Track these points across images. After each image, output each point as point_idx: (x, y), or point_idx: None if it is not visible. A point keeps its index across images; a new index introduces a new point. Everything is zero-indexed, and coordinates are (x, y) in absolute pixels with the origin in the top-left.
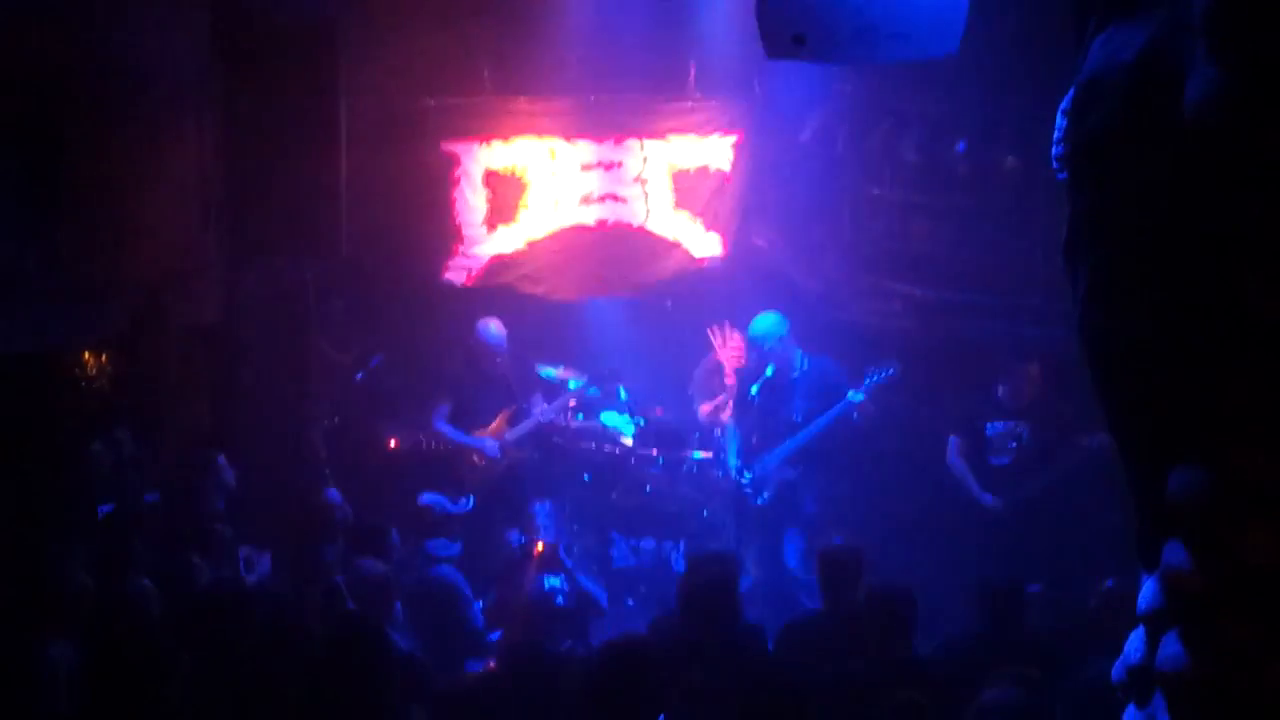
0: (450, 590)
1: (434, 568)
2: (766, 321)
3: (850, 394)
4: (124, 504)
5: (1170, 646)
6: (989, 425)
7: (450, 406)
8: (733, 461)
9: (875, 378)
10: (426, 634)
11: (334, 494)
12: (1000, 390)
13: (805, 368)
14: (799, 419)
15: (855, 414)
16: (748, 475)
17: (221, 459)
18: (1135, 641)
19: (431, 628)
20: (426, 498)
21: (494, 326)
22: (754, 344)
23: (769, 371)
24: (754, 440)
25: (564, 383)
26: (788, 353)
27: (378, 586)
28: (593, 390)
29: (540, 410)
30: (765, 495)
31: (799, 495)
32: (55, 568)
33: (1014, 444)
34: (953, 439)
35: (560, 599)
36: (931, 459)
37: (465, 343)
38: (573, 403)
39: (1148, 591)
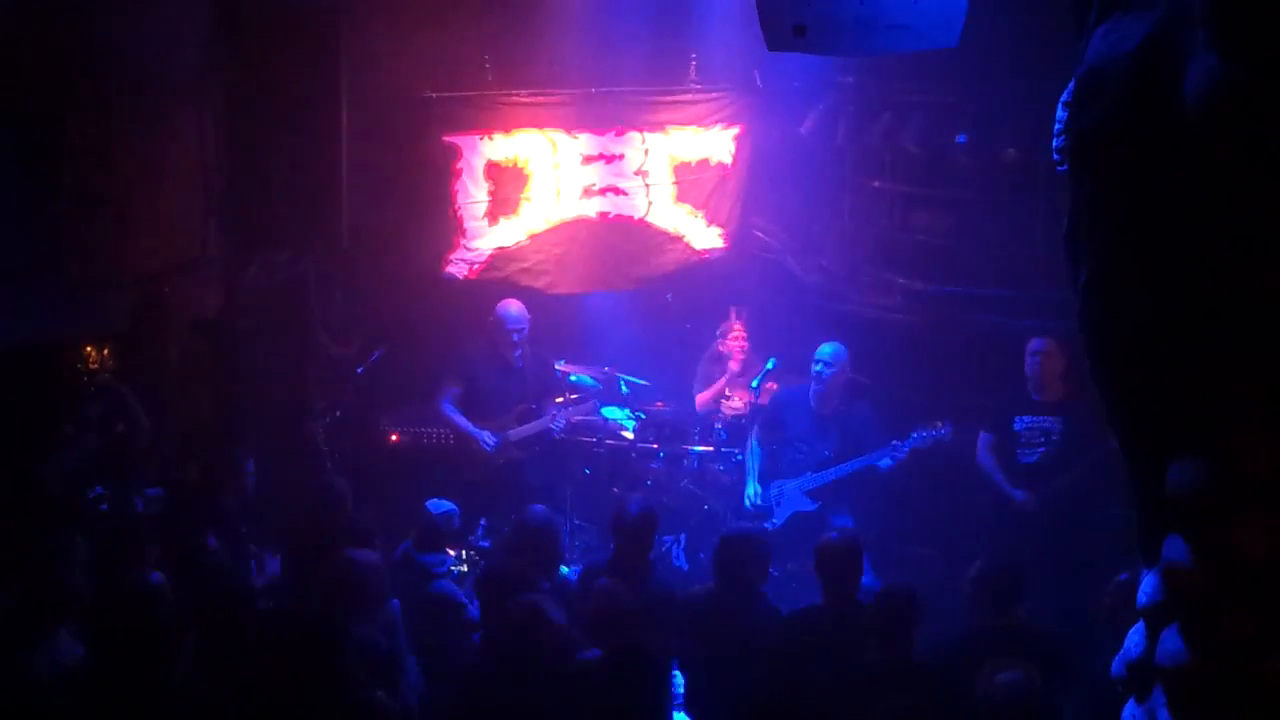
0: (452, 607)
1: (433, 584)
2: (835, 348)
3: (894, 444)
4: (123, 494)
5: (1170, 641)
6: (1018, 420)
7: (461, 391)
8: (751, 486)
9: (921, 437)
10: (427, 649)
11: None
12: (1029, 382)
13: (844, 406)
14: (829, 454)
15: (890, 462)
16: (759, 498)
17: (251, 464)
18: (1135, 636)
19: (433, 645)
20: (438, 506)
21: (514, 308)
22: (821, 365)
23: (811, 401)
24: (778, 463)
25: (583, 395)
26: (837, 385)
27: (374, 576)
28: (595, 385)
29: (553, 419)
30: (775, 521)
31: (818, 527)
32: (52, 564)
33: (1043, 440)
34: (982, 435)
35: None
36: (950, 454)
37: (486, 326)
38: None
39: (1148, 586)
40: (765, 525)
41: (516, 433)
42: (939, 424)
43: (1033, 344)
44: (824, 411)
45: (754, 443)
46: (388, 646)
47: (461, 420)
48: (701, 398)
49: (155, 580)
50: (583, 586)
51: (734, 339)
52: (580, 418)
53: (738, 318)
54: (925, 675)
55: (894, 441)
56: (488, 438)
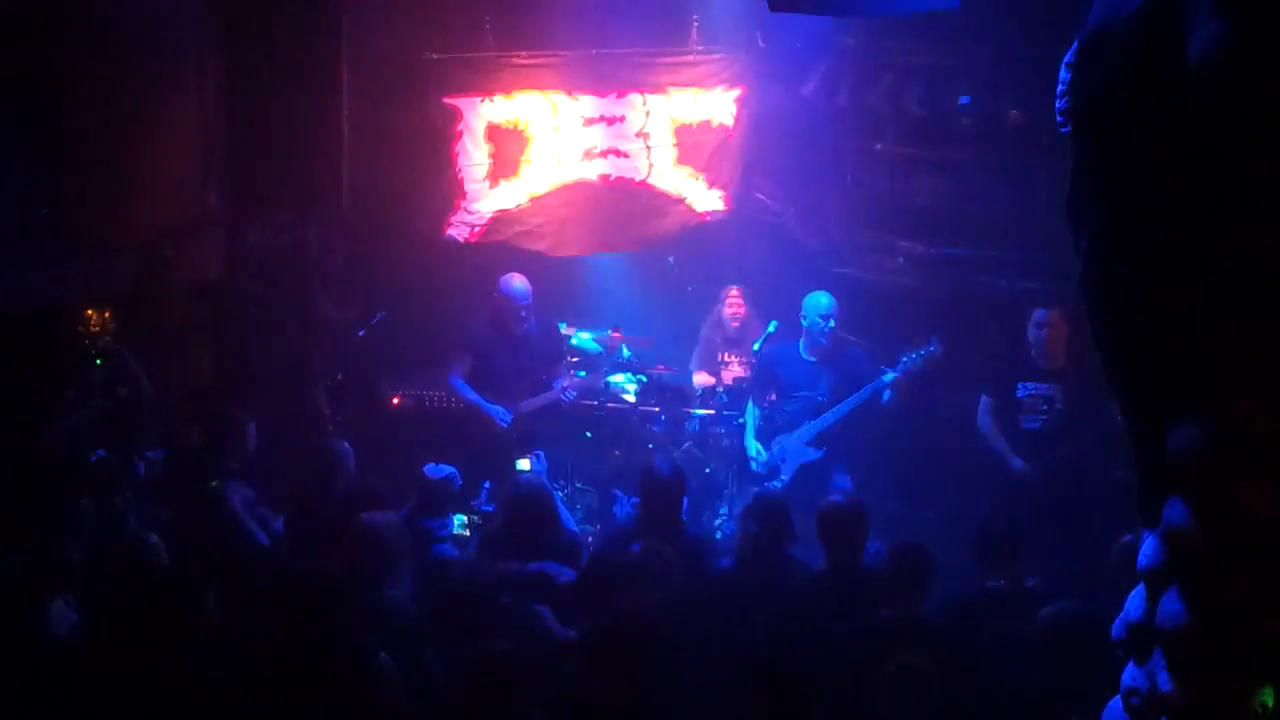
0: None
1: (436, 548)
2: (821, 299)
3: (884, 374)
4: (122, 456)
5: (1170, 603)
6: (1020, 386)
7: (468, 365)
8: (751, 445)
9: (912, 359)
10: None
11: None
12: (1032, 350)
13: (835, 350)
14: (824, 399)
15: (886, 394)
16: (764, 456)
17: (252, 427)
18: (1136, 599)
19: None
20: (437, 471)
21: (517, 281)
22: (822, 319)
23: (802, 350)
24: (776, 419)
25: (592, 360)
26: (824, 332)
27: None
28: (598, 348)
29: (564, 390)
30: (783, 477)
31: (823, 478)
32: (53, 530)
33: (1046, 407)
34: (983, 399)
35: None
36: (951, 417)
37: (490, 298)
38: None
39: (1148, 549)
40: (774, 484)
41: (529, 404)
42: (928, 343)
43: (1037, 314)
44: (816, 359)
45: (750, 405)
46: (414, 614)
47: (474, 397)
48: (698, 379)
49: (152, 542)
50: (617, 550)
51: (731, 305)
52: (588, 386)
53: (736, 287)
54: (935, 632)
55: (884, 370)
56: (501, 412)
